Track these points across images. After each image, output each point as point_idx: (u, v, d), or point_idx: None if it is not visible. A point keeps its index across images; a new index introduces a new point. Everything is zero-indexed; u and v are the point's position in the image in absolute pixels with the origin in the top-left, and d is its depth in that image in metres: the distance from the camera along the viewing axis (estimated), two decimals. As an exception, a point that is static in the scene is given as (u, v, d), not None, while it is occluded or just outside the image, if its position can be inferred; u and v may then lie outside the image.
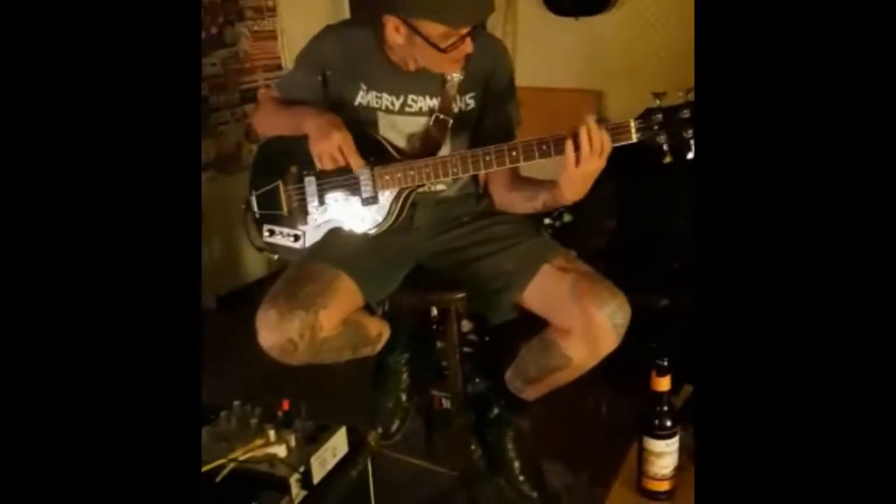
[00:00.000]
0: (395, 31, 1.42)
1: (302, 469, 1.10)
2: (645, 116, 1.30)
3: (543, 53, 2.64)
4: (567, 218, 2.30)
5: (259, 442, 1.13)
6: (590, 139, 1.28)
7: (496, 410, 1.68)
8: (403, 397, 1.84)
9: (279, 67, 3.15)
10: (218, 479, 1.08)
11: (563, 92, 2.58)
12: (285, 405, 1.20)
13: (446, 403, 2.00)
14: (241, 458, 1.11)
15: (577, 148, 1.29)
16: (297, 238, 1.63)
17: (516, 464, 1.70)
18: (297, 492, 1.08)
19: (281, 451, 1.12)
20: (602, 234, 2.30)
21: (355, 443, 1.21)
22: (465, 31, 1.39)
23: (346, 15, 3.15)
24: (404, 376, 1.84)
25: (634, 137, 1.31)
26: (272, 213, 1.64)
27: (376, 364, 1.84)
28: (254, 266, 3.11)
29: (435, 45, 1.38)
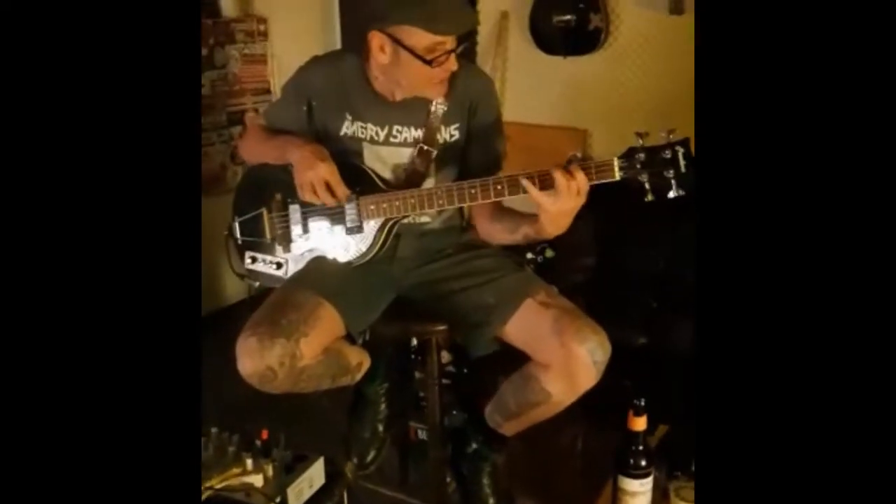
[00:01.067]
0: (380, 51, 1.44)
1: (278, 500, 1.08)
2: (628, 155, 1.32)
3: (531, 90, 2.68)
4: (549, 253, 2.32)
5: (236, 470, 1.11)
6: (565, 181, 1.29)
7: (474, 445, 1.67)
8: (381, 428, 1.83)
9: (268, 91, 3.16)
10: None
11: (549, 129, 2.61)
12: (264, 434, 1.19)
13: (423, 435, 1.99)
14: (218, 487, 1.09)
15: (546, 189, 1.31)
16: (279, 266, 1.62)
17: (491, 500, 1.68)
18: None
19: (258, 480, 1.11)
20: (582, 271, 2.32)
21: (332, 474, 1.20)
22: (450, 45, 1.41)
23: (337, 40, 3.18)
24: (382, 407, 1.83)
25: (617, 175, 1.33)
26: (255, 240, 1.64)
27: (354, 393, 1.83)
28: (233, 289, 3.09)
29: (421, 58, 1.40)
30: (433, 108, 1.52)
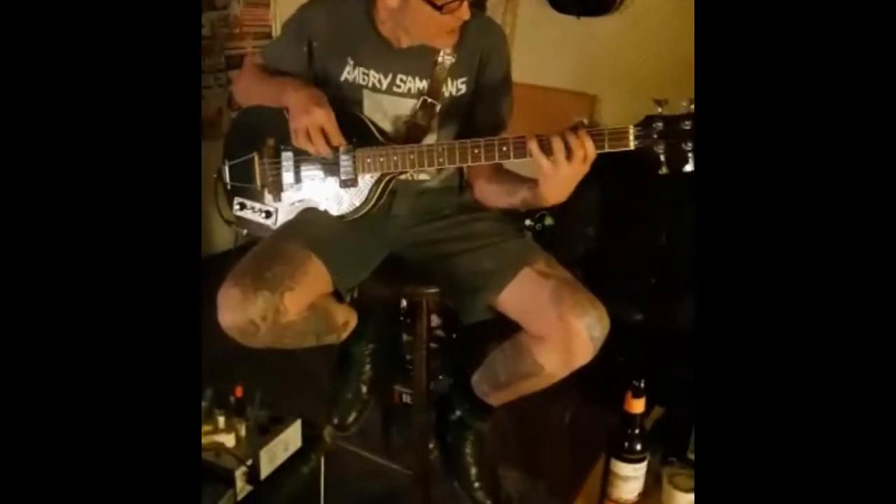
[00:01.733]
0: None
1: (250, 462, 1.02)
2: (645, 123, 1.25)
3: (540, 50, 2.57)
4: (548, 221, 2.25)
5: (207, 428, 1.04)
6: (567, 148, 1.23)
7: (458, 413, 1.62)
8: (364, 389, 1.77)
9: (269, 35, 3.07)
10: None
11: (555, 92, 2.53)
12: (238, 391, 1.13)
13: (407, 399, 1.94)
14: None
15: (549, 154, 1.25)
16: (268, 214, 1.56)
17: (473, 469, 1.64)
18: (241, 486, 1.01)
19: (229, 440, 1.05)
20: (582, 241, 2.26)
21: (309, 438, 1.14)
22: None
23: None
24: (367, 367, 1.77)
25: (632, 144, 1.25)
26: (244, 186, 1.57)
27: (339, 353, 1.77)
28: (220, 237, 3.02)
29: (431, 3, 1.31)
30: (440, 59, 1.44)
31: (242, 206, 1.58)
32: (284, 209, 1.53)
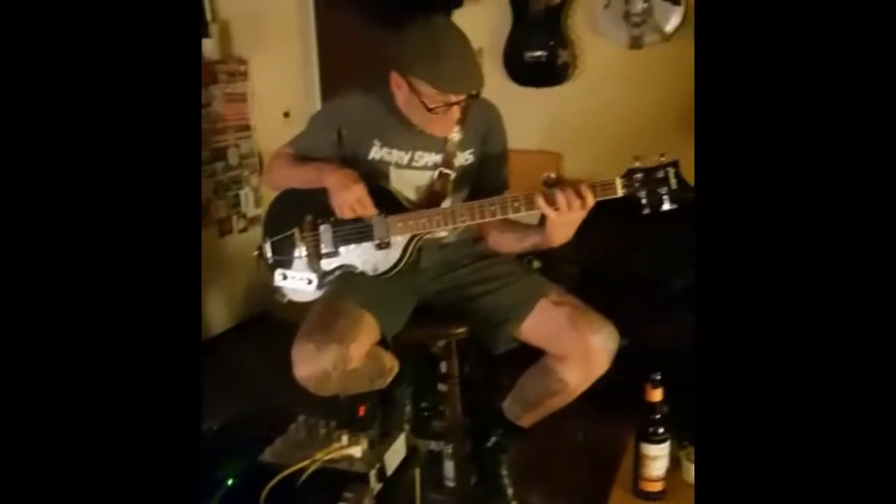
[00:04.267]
0: (397, 88, 1.61)
1: (378, 466, 1.26)
2: (628, 175, 1.49)
3: (508, 118, 2.87)
4: (536, 264, 2.50)
5: (336, 445, 1.27)
6: (567, 200, 1.47)
7: (494, 439, 1.83)
8: (408, 427, 1.97)
9: (248, 128, 3.30)
10: (303, 479, 1.24)
11: (526, 153, 2.81)
12: (361, 410, 1.36)
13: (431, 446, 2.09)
14: (324, 459, 1.25)
15: (555, 205, 1.48)
16: (309, 282, 1.76)
17: (510, 490, 1.84)
18: (374, 484, 1.25)
19: (356, 451, 1.28)
20: (567, 279, 2.52)
21: (409, 447, 1.38)
22: (454, 98, 1.56)
23: (315, 80, 3.34)
24: (408, 409, 1.98)
25: (620, 193, 1.49)
26: (286, 259, 1.77)
27: (381, 398, 1.96)
28: (215, 320, 3.17)
29: (424, 104, 1.56)
30: (451, 136, 1.70)
31: (285, 277, 1.78)
32: (324, 275, 1.74)
